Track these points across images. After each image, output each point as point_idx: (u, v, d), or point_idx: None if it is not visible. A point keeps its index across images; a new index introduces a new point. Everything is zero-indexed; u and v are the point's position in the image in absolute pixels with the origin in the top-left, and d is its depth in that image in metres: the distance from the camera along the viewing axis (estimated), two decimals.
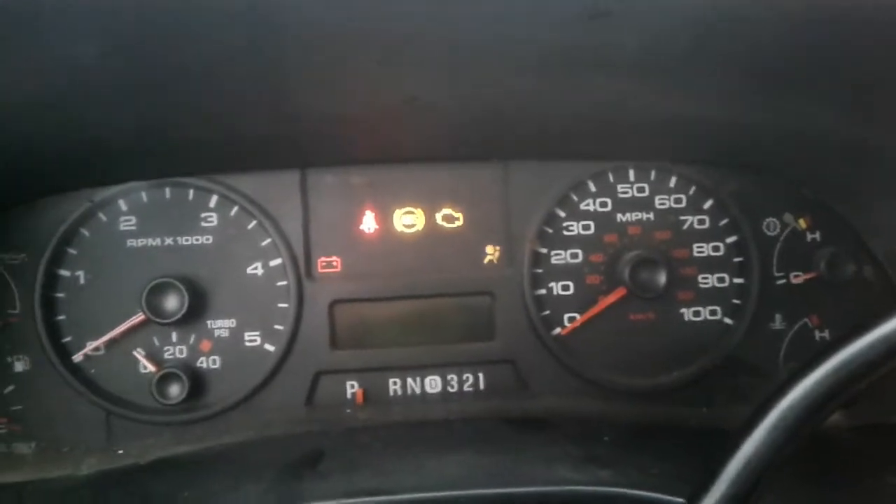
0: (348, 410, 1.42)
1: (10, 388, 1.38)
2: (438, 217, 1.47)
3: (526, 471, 1.06)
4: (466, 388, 1.45)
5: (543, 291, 1.46)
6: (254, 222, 1.43)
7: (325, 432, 1.26)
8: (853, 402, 1.31)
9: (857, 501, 1.02)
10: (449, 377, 1.45)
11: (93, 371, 1.39)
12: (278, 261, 1.43)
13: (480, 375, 1.46)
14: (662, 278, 1.41)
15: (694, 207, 1.48)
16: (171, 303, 1.36)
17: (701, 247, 1.47)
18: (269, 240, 1.43)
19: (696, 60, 1.05)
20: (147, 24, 0.89)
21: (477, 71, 1.11)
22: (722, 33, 0.97)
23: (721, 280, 1.47)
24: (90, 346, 1.38)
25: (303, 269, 1.43)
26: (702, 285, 1.47)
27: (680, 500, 0.87)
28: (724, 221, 1.47)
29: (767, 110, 1.22)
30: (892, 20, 0.87)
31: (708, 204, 1.47)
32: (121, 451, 1.30)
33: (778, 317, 1.47)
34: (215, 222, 1.43)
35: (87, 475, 1.21)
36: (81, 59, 0.97)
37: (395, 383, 1.45)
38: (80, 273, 1.40)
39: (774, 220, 1.48)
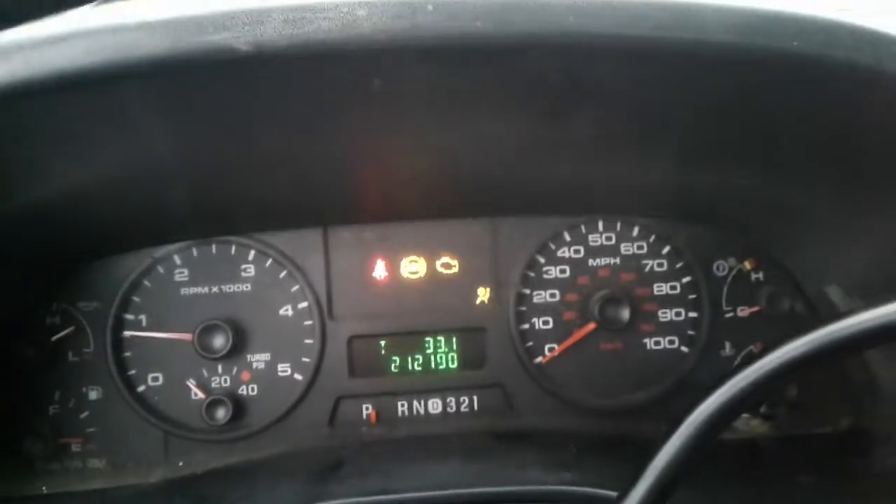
0: (364, 428, 1.65)
1: (86, 413, 1.62)
2: (438, 265, 1.71)
3: (505, 473, 1.31)
4: (463, 408, 1.68)
5: (527, 326, 1.69)
6: (285, 272, 1.67)
7: (344, 446, 1.53)
8: (774, 416, 1.55)
9: (766, 495, 1.26)
10: (448, 399, 1.68)
11: (154, 398, 1.63)
12: (305, 304, 1.66)
13: (474, 398, 1.68)
14: (626, 314, 1.64)
15: (654, 253, 1.70)
16: (218, 341, 1.61)
17: (660, 286, 1.70)
18: (297, 286, 1.66)
19: (643, 146, 1.31)
20: (208, 120, 1.16)
21: (464, 156, 1.38)
22: (661, 124, 1.23)
23: (678, 314, 1.69)
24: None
25: (326, 310, 1.66)
26: (661, 319, 1.69)
27: (614, 493, 1.02)
28: (680, 264, 1.69)
29: (705, 178, 1.46)
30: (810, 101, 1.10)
31: (665, 250, 1.70)
32: (181, 464, 1.58)
33: (727, 344, 1.69)
34: (253, 273, 1.66)
35: (155, 483, 1.48)
36: (151, 153, 1.26)
37: (402, 405, 1.68)
38: (143, 317, 1.64)
39: (723, 262, 1.70)
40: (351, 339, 1.68)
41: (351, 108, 1.15)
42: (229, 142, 1.25)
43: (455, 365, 1.70)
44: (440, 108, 1.18)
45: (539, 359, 1.69)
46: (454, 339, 1.70)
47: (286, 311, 1.68)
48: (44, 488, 1.54)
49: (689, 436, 1.01)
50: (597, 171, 1.49)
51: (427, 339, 1.70)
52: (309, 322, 1.67)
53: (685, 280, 1.70)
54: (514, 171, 1.48)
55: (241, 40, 0.91)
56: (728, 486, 1.26)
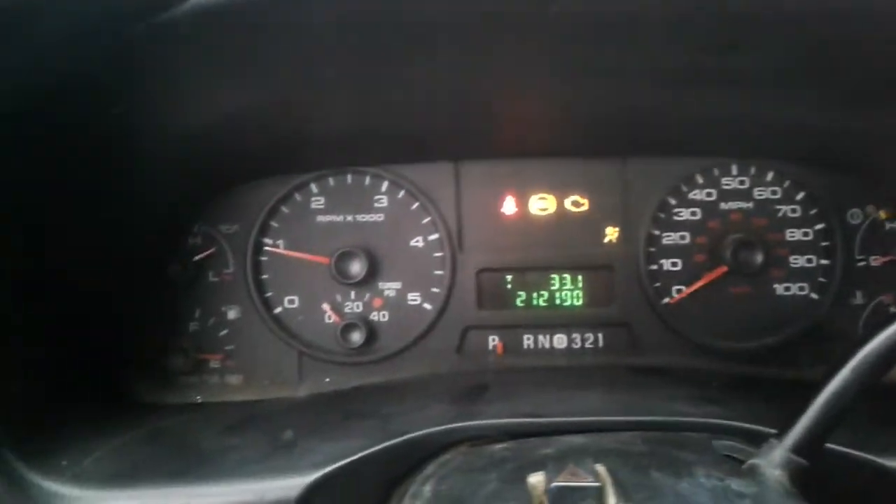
0: (490, 359, 1.70)
1: (225, 331, 1.70)
2: (567, 202, 1.73)
3: (651, 404, 1.33)
4: (588, 345, 1.71)
5: (655, 267, 1.70)
6: (416, 204, 1.71)
7: (482, 372, 1.57)
8: None
9: None
10: (573, 336, 1.72)
11: (290, 320, 1.70)
12: (436, 235, 1.70)
13: (600, 336, 1.71)
14: (759, 258, 1.64)
15: (787, 198, 1.69)
16: (355, 267, 1.67)
17: (793, 232, 1.69)
18: (428, 218, 1.70)
19: (810, 83, 1.30)
20: (367, 51, 1.19)
21: (610, 91, 1.38)
22: (828, 57, 1.21)
23: (809, 261, 1.69)
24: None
25: (455, 242, 1.70)
26: (792, 265, 1.68)
27: (773, 430, 1.04)
28: (814, 211, 1.68)
29: (859, 122, 1.44)
30: None
31: (800, 195, 1.69)
32: (328, 380, 1.64)
33: (858, 293, 1.68)
34: (386, 203, 1.71)
35: (304, 397, 1.54)
36: (311, 79, 1.29)
37: (528, 339, 1.72)
38: (281, 242, 1.70)
39: (858, 210, 1.68)
40: (480, 272, 1.71)
41: (507, 39, 1.15)
42: (382, 73, 1.27)
43: (580, 302, 1.72)
44: (612, 37, 1.18)
45: (666, 300, 1.70)
46: (580, 277, 1.72)
47: (417, 241, 1.72)
48: (198, 398, 1.62)
49: (853, 376, 1.02)
50: (748, 110, 1.47)
51: (553, 275, 1.72)
52: (439, 254, 1.71)
53: (818, 227, 1.69)
54: (658, 108, 1.47)
55: None
56: (880, 428, 1.26)
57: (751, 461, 1.02)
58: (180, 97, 1.22)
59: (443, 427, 1.20)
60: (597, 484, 0.91)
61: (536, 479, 0.97)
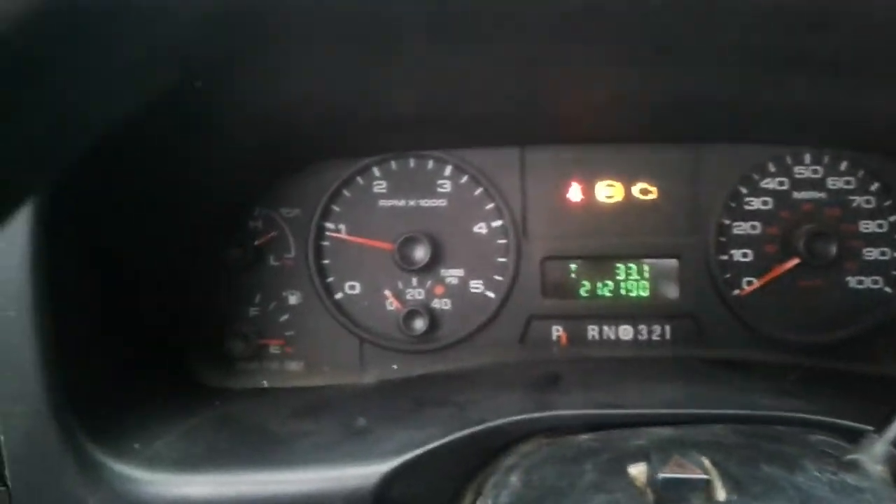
0: (554, 349, 1.67)
1: (285, 316, 1.67)
2: (635, 190, 1.68)
3: (732, 397, 1.29)
4: (654, 337, 1.67)
5: (725, 257, 1.65)
6: (480, 189, 1.67)
7: (549, 362, 1.54)
8: None
9: None
10: (639, 327, 1.67)
11: (351, 306, 1.67)
12: (499, 222, 1.67)
13: (667, 327, 1.67)
14: (834, 249, 1.59)
15: (862, 189, 1.64)
16: (419, 253, 1.63)
17: (867, 223, 1.63)
18: (492, 204, 1.67)
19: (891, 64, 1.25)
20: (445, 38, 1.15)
21: (678, 68, 1.33)
22: None
23: (883, 254, 1.63)
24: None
25: (520, 229, 1.66)
26: (866, 257, 1.63)
27: (870, 427, 1.01)
28: (888, 202, 1.63)
29: None
30: None
31: (874, 186, 1.63)
32: (395, 367, 1.62)
33: None
34: (449, 188, 1.67)
35: (372, 384, 1.52)
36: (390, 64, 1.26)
37: (593, 329, 1.68)
38: (343, 226, 1.67)
39: None
40: (544, 260, 1.67)
41: (578, 23, 1.10)
42: (452, 59, 1.23)
43: (646, 293, 1.68)
44: (693, 19, 1.13)
45: (736, 291, 1.65)
46: (646, 267, 1.68)
47: (480, 228, 1.68)
48: (264, 382, 1.60)
49: None
50: (825, 97, 1.42)
51: (619, 264, 1.68)
52: (502, 241, 1.68)
53: (893, 218, 1.64)
54: (733, 94, 1.42)
55: None
56: None
57: (850, 456, 0.99)
58: (269, 75, 1.19)
59: (532, 415, 1.18)
60: (705, 476, 0.88)
61: (638, 470, 0.94)
